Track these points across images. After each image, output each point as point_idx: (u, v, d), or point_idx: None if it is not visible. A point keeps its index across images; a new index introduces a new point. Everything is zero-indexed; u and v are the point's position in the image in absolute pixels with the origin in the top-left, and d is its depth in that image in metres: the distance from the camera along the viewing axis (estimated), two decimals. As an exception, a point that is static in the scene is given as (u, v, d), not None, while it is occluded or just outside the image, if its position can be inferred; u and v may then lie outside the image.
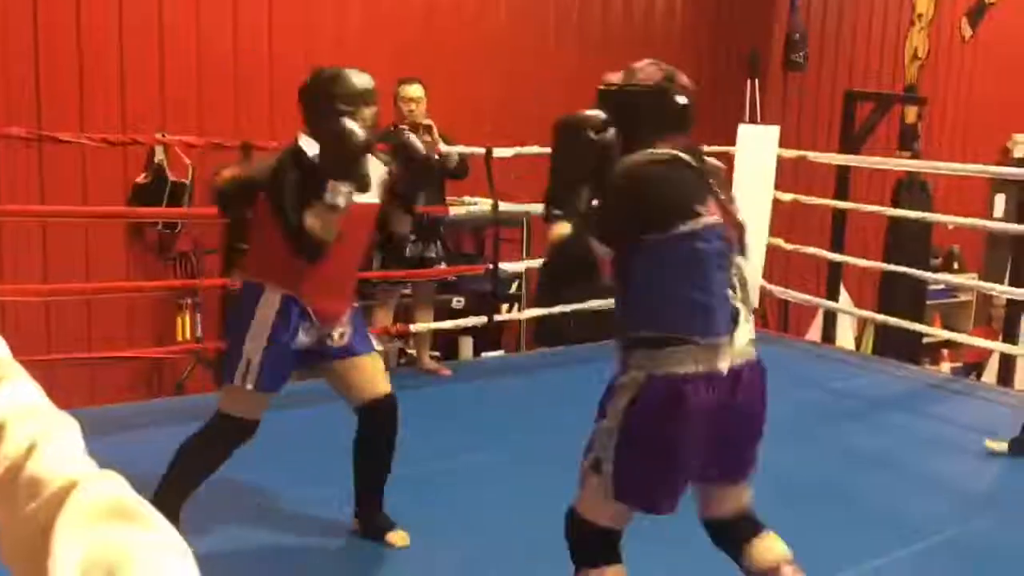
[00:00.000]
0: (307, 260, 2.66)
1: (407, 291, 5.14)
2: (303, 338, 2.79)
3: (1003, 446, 4.06)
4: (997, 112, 9.60)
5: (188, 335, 5.45)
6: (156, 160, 5.27)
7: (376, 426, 2.94)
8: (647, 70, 2.19)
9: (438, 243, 5.01)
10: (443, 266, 5.06)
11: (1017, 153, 9.82)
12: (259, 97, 5.66)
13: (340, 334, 2.87)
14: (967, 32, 9.60)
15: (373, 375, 2.95)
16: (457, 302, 5.97)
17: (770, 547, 2.20)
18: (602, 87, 2.22)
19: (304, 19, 5.81)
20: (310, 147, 2.73)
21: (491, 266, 5.26)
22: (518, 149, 5.10)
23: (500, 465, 3.73)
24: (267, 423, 2.91)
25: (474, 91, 6.31)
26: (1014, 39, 9.86)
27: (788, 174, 6.52)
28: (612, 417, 2.04)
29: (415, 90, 4.79)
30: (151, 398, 5.17)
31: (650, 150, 2.09)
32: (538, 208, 5.89)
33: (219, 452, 2.86)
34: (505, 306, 6.09)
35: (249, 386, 2.75)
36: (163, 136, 4.81)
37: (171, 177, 5.29)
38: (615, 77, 2.22)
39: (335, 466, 3.08)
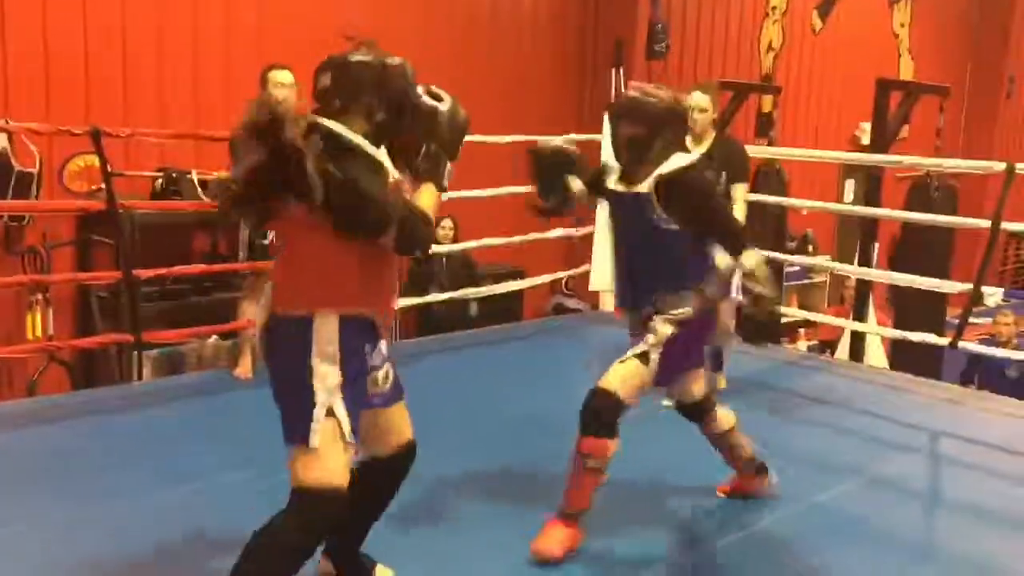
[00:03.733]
0: (422, 252, 2.32)
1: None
2: (375, 361, 2.33)
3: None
4: (846, 101, 10.12)
5: (39, 333, 5.16)
6: (-1, 148, 4.96)
7: (393, 473, 2.53)
8: (670, 93, 2.94)
9: None
10: None
11: (864, 140, 10.39)
12: (111, 81, 5.39)
13: (385, 375, 2.42)
14: (818, 24, 10.07)
15: (404, 419, 2.53)
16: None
17: (724, 416, 3.23)
18: (641, 100, 2.90)
19: None
20: (349, 133, 2.20)
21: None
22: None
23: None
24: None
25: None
26: (861, 31, 10.41)
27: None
28: (661, 333, 2.91)
29: (285, 76, 4.63)
30: (1, 400, 4.87)
31: (689, 154, 3.00)
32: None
33: (311, 542, 2.24)
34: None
35: (341, 441, 2.20)
36: (6, 122, 4.52)
37: (16, 166, 4.98)
38: (640, 92, 2.91)
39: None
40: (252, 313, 4.76)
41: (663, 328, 2.91)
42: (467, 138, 5.76)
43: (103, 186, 4.38)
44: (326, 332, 2.17)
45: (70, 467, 3.51)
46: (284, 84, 4.62)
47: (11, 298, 5.15)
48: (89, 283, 5.13)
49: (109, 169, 4.34)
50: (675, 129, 2.90)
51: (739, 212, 4.53)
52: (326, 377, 2.19)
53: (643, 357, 2.91)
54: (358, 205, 2.12)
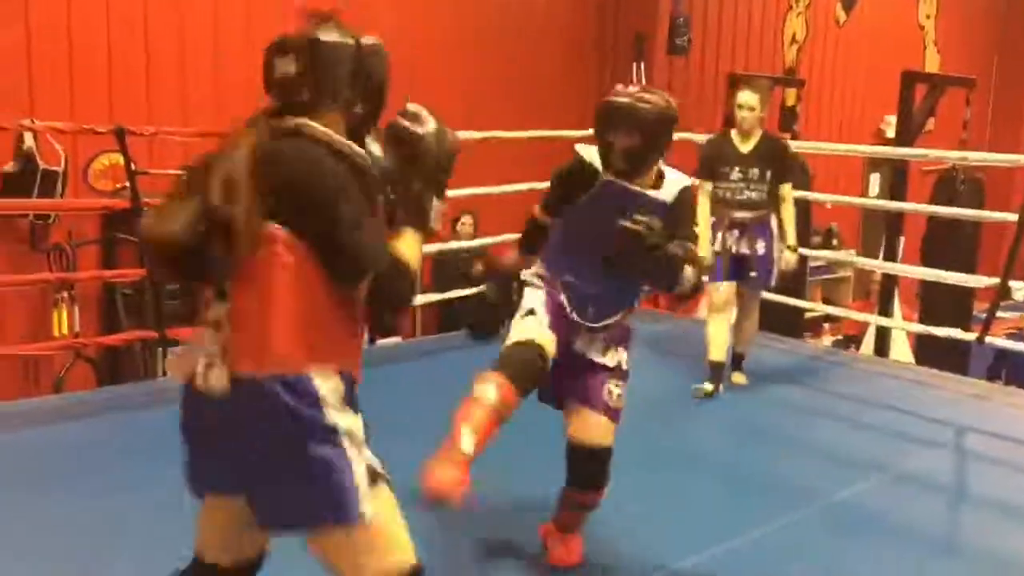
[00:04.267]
0: (395, 312, 1.91)
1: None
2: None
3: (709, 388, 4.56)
4: (870, 94, 10.02)
5: (65, 330, 5.21)
6: (25, 147, 5.01)
7: None
8: (663, 98, 2.66)
9: None
10: None
11: (889, 134, 10.28)
12: (135, 79, 5.44)
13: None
14: (841, 16, 9.98)
15: None
16: (350, 289, 5.90)
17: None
18: (638, 107, 2.61)
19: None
20: (341, 140, 1.75)
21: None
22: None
23: (392, 453, 3.69)
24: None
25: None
26: (886, 23, 10.30)
27: (673, 155, 6.64)
28: (625, 362, 2.68)
29: None
30: (28, 396, 4.93)
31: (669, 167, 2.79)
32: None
33: None
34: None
35: (397, 508, 1.86)
36: (32, 122, 4.57)
37: (42, 165, 5.03)
38: (634, 98, 2.61)
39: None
40: None
41: (625, 361, 2.70)
42: (488, 134, 5.76)
43: (127, 184, 4.42)
44: (332, 386, 1.74)
45: (95, 462, 3.55)
46: None
47: (37, 296, 5.21)
48: (114, 280, 5.17)
49: (133, 167, 4.38)
50: (667, 137, 2.69)
51: (788, 212, 4.56)
52: (353, 432, 1.77)
53: (618, 400, 2.68)
54: (351, 244, 1.68)
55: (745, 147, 4.57)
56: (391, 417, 4.07)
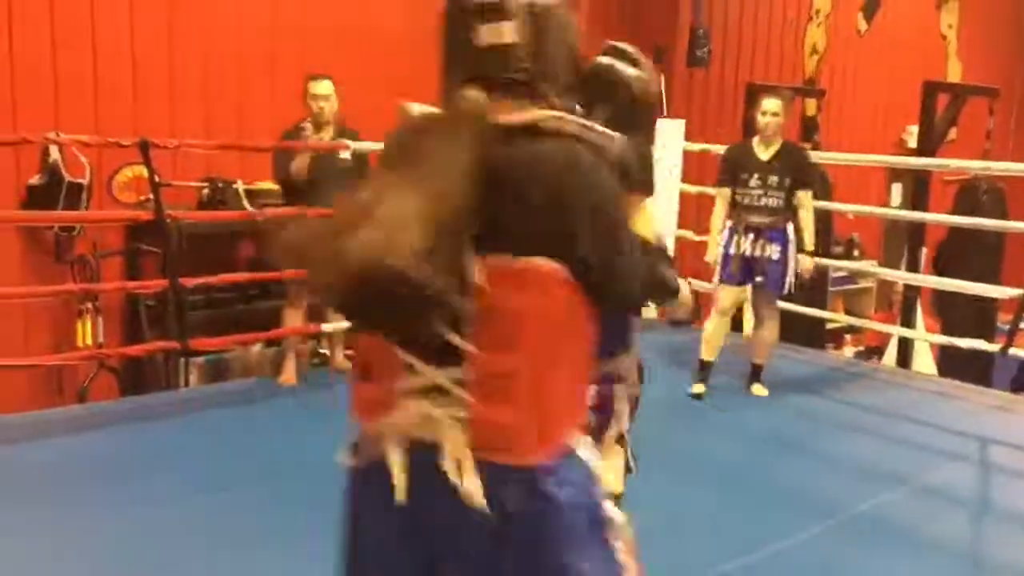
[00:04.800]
0: (674, 290, 1.70)
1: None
2: None
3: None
4: (892, 104, 9.97)
5: (89, 341, 5.26)
6: (50, 160, 5.07)
7: None
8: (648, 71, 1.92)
9: None
10: None
11: (911, 144, 10.21)
12: (158, 92, 5.50)
13: None
14: (863, 26, 9.94)
15: None
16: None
17: None
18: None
19: (201, 11, 5.66)
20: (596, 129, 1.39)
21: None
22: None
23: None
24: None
25: (380, 85, 6.25)
26: (907, 32, 10.25)
27: (693, 167, 6.65)
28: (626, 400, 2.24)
29: (324, 87, 4.72)
30: (52, 407, 4.98)
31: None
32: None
33: None
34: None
35: None
36: (57, 135, 4.63)
37: (67, 177, 5.10)
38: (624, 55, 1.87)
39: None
40: (295, 321, 4.82)
41: (625, 409, 2.22)
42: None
43: (151, 196, 4.47)
44: (594, 458, 1.38)
45: (119, 473, 3.58)
46: (321, 95, 4.70)
47: (62, 307, 5.26)
48: (137, 292, 5.22)
49: (157, 179, 4.42)
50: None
51: (806, 218, 4.61)
52: (619, 526, 1.39)
53: (621, 441, 2.25)
54: (629, 266, 1.37)
55: (765, 155, 4.61)
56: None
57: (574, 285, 1.29)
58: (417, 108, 1.43)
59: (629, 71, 1.60)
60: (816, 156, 6.62)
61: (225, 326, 5.05)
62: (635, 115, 1.55)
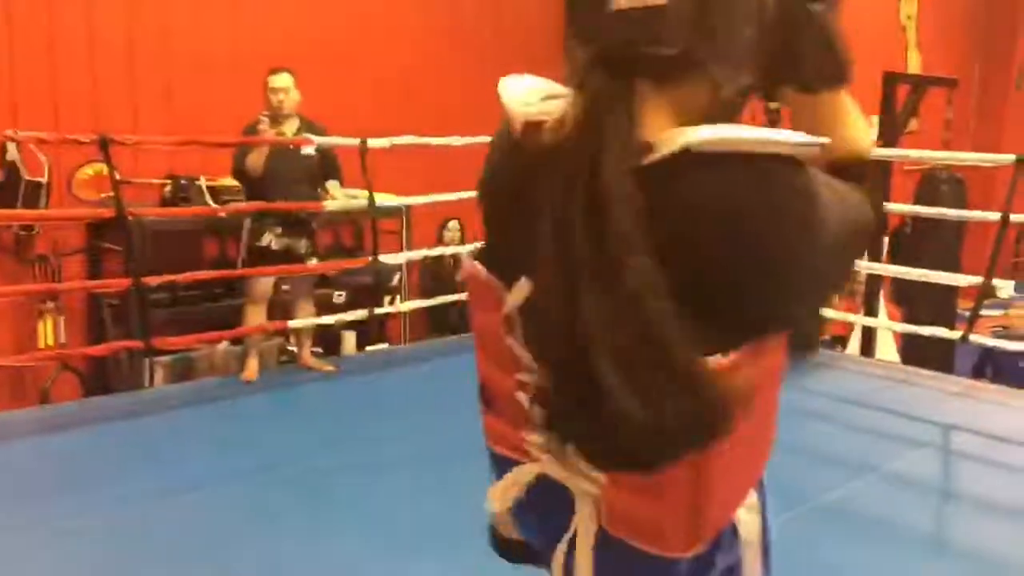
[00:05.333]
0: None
1: (286, 287, 5.04)
2: None
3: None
4: (854, 95, 10.06)
5: (51, 341, 5.19)
6: (8, 158, 4.99)
7: None
8: None
9: (308, 238, 4.86)
10: (314, 261, 4.96)
11: (872, 134, 10.34)
12: (118, 88, 5.42)
13: None
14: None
15: None
16: (338, 296, 5.89)
17: None
18: None
19: (161, 6, 5.59)
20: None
21: (371, 258, 5.20)
22: (392, 140, 5.04)
23: (384, 460, 3.70)
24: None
25: (351, 82, 6.21)
26: (868, 24, 10.37)
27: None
28: None
29: (282, 80, 4.69)
30: (14, 408, 4.90)
31: None
32: (418, 199, 5.84)
33: None
34: (387, 298, 6.04)
35: None
36: (15, 133, 4.55)
37: (26, 176, 5.01)
38: None
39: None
40: (257, 318, 4.77)
41: None
42: (473, 139, 5.75)
43: (112, 194, 4.41)
44: (753, 519, 1.12)
45: (82, 474, 3.53)
46: (280, 88, 4.66)
47: (23, 307, 5.18)
48: (100, 291, 5.15)
49: (117, 177, 4.36)
50: None
51: None
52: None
53: None
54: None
55: None
56: (387, 423, 4.09)
57: (755, 344, 0.94)
58: (521, 100, 1.05)
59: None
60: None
61: (190, 324, 5.00)
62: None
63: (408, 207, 5.80)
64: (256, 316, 4.78)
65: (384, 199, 5.25)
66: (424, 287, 6.42)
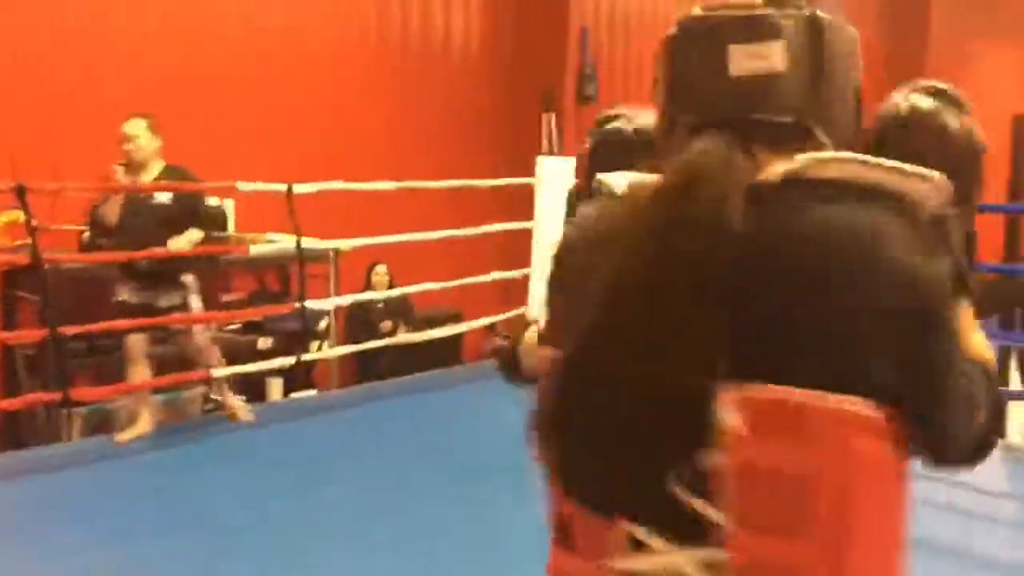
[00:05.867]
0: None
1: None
2: None
3: None
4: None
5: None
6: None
7: None
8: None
9: (175, 291, 4.58)
10: (195, 310, 4.63)
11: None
12: (37, 134, 5.29)
13: None
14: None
15: None
16: (264, 342, 5.80)
17: None
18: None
19: (79, 53, 5.50)
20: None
21: (298, 304, 5.14)
22: (319, 185, 5.03)
23: (305, 513, 3.63)
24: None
25: (277, 127, 6.18)
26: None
27: (586, 203, 6.77)
28: None
29: (132, 127, 4.51)
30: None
31: None
32: (346, 243, 5.81)
33: None
34: (315, 343, 5.97)
35: None
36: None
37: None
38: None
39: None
40: (142, 375, 4.58)
41: None
42: (402, 184, 5.75)
43: (28, 241, 4.28)
44: None
45: (11, 527, 3.39)
46: (129, 135, 4.47)
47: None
48: (14, 341, 4.98)
49: (34, 224, 4.24)
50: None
51: None
52: None
53: None
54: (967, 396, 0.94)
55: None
56: (317, 472, 4.02)
57: (886, 431, 0.87)
58: (620, 180, 1.04)
59: (953, 119, 1.15)
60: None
61: (109, 374, 4.86)
62: (963, 181, 1.01)
63: (336, 251, 5.76)
64: (137, 374, 4.59)
65: (311, 243, 5.21)
66: (352, 332, 6.36)
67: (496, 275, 6.21)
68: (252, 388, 5.64)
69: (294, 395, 5.82)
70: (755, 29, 0.95)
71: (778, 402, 0.85)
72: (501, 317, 6.58)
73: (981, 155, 1.17)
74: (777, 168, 0.92)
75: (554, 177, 6.06)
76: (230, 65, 6.07)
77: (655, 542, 0.91)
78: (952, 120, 1.20)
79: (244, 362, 5.01)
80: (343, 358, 6.03)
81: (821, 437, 0.84)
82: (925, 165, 0.94)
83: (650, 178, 0.97)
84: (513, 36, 7.73)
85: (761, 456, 0.85)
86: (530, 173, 6.23)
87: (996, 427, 1.00)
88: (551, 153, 7.02)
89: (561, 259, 1.07)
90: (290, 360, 5.17)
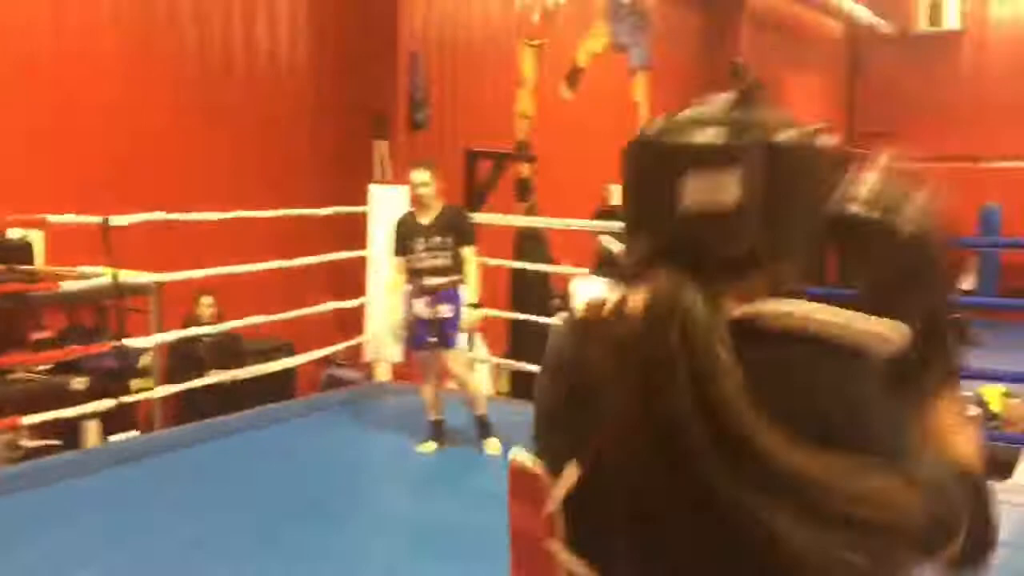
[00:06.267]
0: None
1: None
2: None
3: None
4: (598, 165, 10.74)
5: None
6: None
7: None
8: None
9: None
10: None
11: (613, 201, 11.03)
12: None
13: None
14: (567, 94, 10.67)
15: None
16: (78, 383, 5.43)
17: None
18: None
19: None
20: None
21: (116, 342, 4.86)
22: (140, 216, 4.78)
23: (121, 570, 3.42)
24: None
25: (94, 158, 5.84)
26: (606, 99, 11.13)
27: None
28: None
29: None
30: None
31: None
32: (167, 276, 5.55)
33: None
34: (136, 382, 5.65)
35: None
36: None
37: None
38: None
39: None
40: None
41: None
42: (228, 215, 5.58)
43: None
44: None
45: None
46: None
47: None
48: None
49: None
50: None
51: (470, 272, 4.90)
52: None
53: None
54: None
55: (426, 219, 4.90)
56: (132, 524, 3.79)
57: None
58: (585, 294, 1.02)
59: (896, 215, 1.04)
60: (532, 221, 6.98)
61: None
62: (914, 274, 1.04)
63: (159, 283, 5.48)
64: None
65: (131, 276, 4.94)
66: (177, 368, 6.06)
67: (330, 305, 6.09)
68: (67, 432, 5.27)
69: (113, 438, 5.48)
70: (710, 160, 0.93)
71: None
72: (335, 348, 6.46)
73: (928, 246, 1.06)
74: (735, 312, 0.92)
75: (386, 204, 6.01)
76: (37, 90, 5.69)
77: None
78: (887, 215, 1.06)
79: (57, 405, 4.67)
80: (167, 396, 5.74)
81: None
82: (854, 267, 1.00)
83: (610, 300, 0.96)
84: (341, 60, 7.64)
85: None
86: (363, 201, 6.16)
87: (986, 538, 0.99)
88: (383, 181, 6.97)
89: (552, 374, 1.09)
90: (109, 402, 4.87)
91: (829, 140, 0.99)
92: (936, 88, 15.26)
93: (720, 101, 0.98)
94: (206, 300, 6.19)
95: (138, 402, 5.55)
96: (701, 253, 0.94)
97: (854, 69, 16.57)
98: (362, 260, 6.15)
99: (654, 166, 0.96)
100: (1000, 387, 7.33)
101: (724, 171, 0.92)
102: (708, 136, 0.94)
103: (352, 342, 6.43)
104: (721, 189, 0.92)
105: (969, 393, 7.50)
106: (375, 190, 6.27)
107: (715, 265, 0.94)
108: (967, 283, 13.37)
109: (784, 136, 0.94)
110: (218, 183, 6.54)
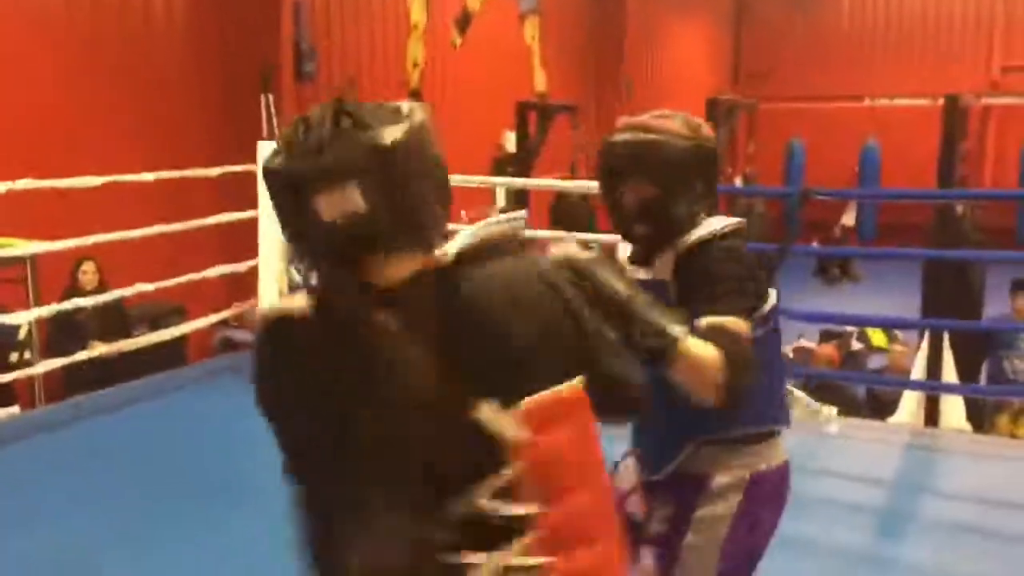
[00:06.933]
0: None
1: None
2: None
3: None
4: (490, 113, 10.64)
5: None
6: None
7: None
8: (683, 122, 1.88)
9: None
10: None
11: (508, 147, 10.98)
12: None
13: None
14: (457, 39, 10.47)
15: None
16: (-52, 360, 5.14)
17: None
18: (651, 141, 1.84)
19: None
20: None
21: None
22: (7, 184, 4.50)
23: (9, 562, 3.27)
24: None
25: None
26: (498, 44, 10.99)
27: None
28: (707, 530, 1.83)
29: None
30: None
31: (719, 218, 1.87)
32: (42, 245, 5.27)
33: None
34: (14, 356, 5.37)
35: None
36: None
37: None
38: (641, 129, 1.87)
39: None
40: None
41: (708, 509, 1.84)
42: (110, 178, 5.31)
43: None
44: None
45: None
46: None
47: None
48: None
49: None
50: (706, 177, 1.86)
51: None
52: None
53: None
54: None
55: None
56: (16, 513, 3.61)
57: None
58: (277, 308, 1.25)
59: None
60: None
61: None
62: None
63: (35, 254, 5.18)
64: None
65: (5, 244, 4.67)
66: (58, 340, 5.78)
67: (221, 269, 5.89)
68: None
69: (-5, 414, 5.22)
70: (328, 182, 1.11)
71: (554, 402, 1.16)
72: (229, 312, 6.27)
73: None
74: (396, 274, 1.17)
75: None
76: None
77: (480, 558, 1.14)
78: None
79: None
80: (50, 370, 5.47)
81: (564, 417, 1.17)
82: None
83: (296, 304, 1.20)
84: (222, 12, 7.29)
85: (548, 449, 1.15)
86: (252, 158, 5.93)
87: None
88: (271, 136, 6.72)
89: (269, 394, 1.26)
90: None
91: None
92: (819, 28, 15.62)
93: (326, 123, 1.13)
94: (87, 265, 5.89)
95: (17, 378, 5.28)
96: (356, 249, 1.14)
97: (740, 11, 16.79)
98: (254, 220, 5.95)
99: (286, 191, 1.15)
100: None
101: (343, 187, 1.11)
102: (323, 162, 1.11)
103: (246, 304, 6.25)
104: (347, 201, 1.11)
105: (852, 329, 7.85)
106: (264, 147, 6.04)
107: (370, 250, 1.15)
108: (848, 219, 13.91)
109: (388, 136, 1.13)
110: (101, 145, 6.20)
